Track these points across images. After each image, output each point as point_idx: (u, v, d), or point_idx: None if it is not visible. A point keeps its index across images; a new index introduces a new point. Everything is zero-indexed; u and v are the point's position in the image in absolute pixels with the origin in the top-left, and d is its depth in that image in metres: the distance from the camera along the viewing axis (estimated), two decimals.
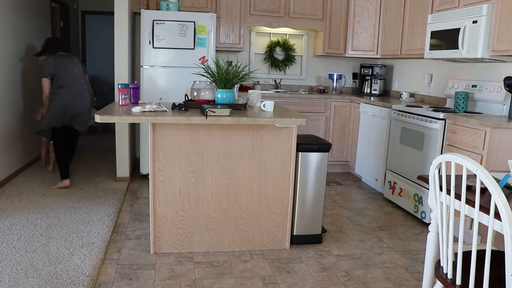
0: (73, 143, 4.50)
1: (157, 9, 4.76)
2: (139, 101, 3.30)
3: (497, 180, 1.85)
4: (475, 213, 1.54)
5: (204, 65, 3.19)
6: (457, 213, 1.73)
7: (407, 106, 3.97)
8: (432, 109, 3.70)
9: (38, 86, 5.48)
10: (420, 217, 3.66)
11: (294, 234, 3.11)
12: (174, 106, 2.93)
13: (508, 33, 3.10)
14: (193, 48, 4.53)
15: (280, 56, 5.65)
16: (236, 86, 3.26)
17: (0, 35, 4.27)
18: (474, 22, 3.33)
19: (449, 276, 1.72)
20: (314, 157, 3.04)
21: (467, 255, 1.75)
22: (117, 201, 3.87)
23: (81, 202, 3.82)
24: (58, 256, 2.76)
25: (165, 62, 4.53)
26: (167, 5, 4.58)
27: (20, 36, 4.83)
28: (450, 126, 3.35)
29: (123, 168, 4.54)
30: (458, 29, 3.48)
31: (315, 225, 3.14)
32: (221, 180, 2.90)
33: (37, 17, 5.47)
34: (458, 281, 1.66)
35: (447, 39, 3.64)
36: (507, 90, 3.26)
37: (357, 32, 5.29)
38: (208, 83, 3.18)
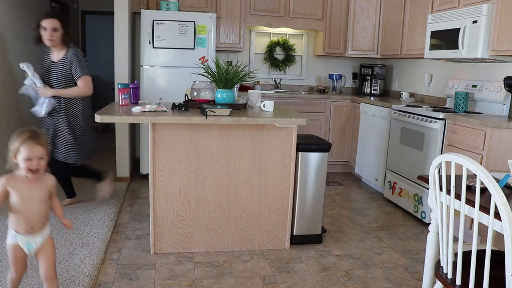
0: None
1: (157, 9, 4.76)
2: (139, 101, 3.30)
3: (497, 180, 1.84)
4: (475, 213, 1.54)
5: (204, 65, 3.18)
6: (457, 213, 1.73)
7: (407, 106, 3.97)
8: (432, 109, 3.70)
9: None
10: (420, 217, 3.66)
11: (294, 234, 3.11)
12: (174, 106, 2.93)
13: (508, 33, 3.10)
14: (193, 48, 4.53)
15: (280, 56, 5.65)
16: (236, 86, 3.26)
17: (0, 35, 4.27)
18: (474, 22, 3.33)
19: (449, 276, 1.72)
20: (314, 157, 3.04)
21: (467, 255, 1.75)
22: (117, 201, 3.87)
23: (81, 202, 3.82)
24: (58, 256, 2.75)
25: (165, 62, 4.53)
26: (167, 5, 4.58)
27: (20, 36, 4.82)
28: (450, 126, 3.35)
29: (123, 168, 4.54)
30: (458, 29, 3.48)
31: (315, 225, 3.14)
32: (221, 180, 2.90)
33: (37, 17, 5.46)
34: (458, 281, 1.66)
35: (447, 39, 3.64)
36: (507, 90, 3.26)
37: (357, 32, 5.28)
38: (208, 83, 3.18)
